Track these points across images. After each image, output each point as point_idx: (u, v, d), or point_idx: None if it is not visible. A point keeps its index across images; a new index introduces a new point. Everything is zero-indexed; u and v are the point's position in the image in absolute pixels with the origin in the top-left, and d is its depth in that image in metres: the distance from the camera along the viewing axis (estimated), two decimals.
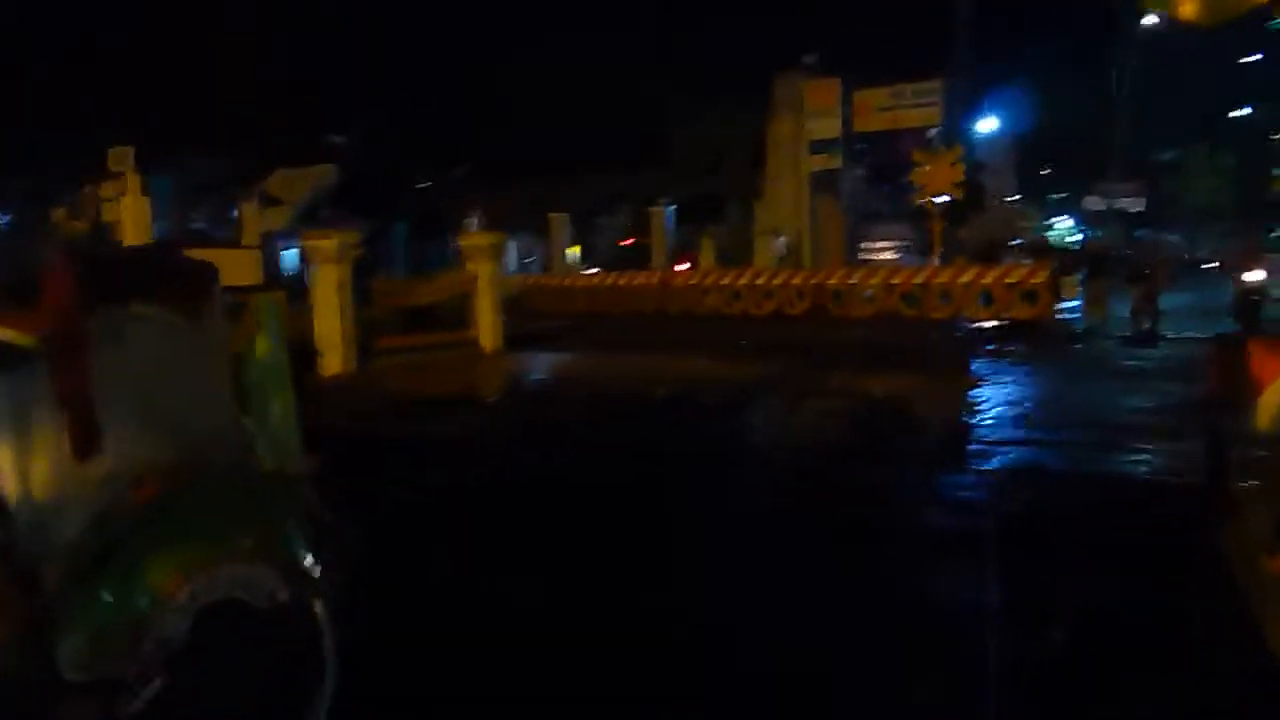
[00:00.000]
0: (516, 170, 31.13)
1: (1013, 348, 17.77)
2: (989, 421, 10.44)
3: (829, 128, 25.74)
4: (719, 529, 6.62)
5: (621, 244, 38.26)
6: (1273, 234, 31.90)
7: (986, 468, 8.28)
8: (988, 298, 21.65)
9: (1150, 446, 8.77)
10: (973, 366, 15.18)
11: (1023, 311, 21.16)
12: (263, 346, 3.79)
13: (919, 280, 22.56)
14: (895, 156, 37.92)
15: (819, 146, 26.02)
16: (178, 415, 3.34)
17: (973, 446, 9.16)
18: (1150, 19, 39.64)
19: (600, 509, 7.04)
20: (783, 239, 27.46)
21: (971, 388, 12.94)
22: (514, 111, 32.05)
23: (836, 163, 26.43)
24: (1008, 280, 21.54)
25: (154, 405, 3.27)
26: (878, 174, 37.18)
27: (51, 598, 2.88)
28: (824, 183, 26.88)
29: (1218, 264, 35.01)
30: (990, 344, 18.18)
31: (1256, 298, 19.15)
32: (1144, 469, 8.20)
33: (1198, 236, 45.57)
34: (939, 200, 23.91)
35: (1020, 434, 9.78)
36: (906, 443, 9.51)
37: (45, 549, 2.92)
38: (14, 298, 2.98)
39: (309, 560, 3.38)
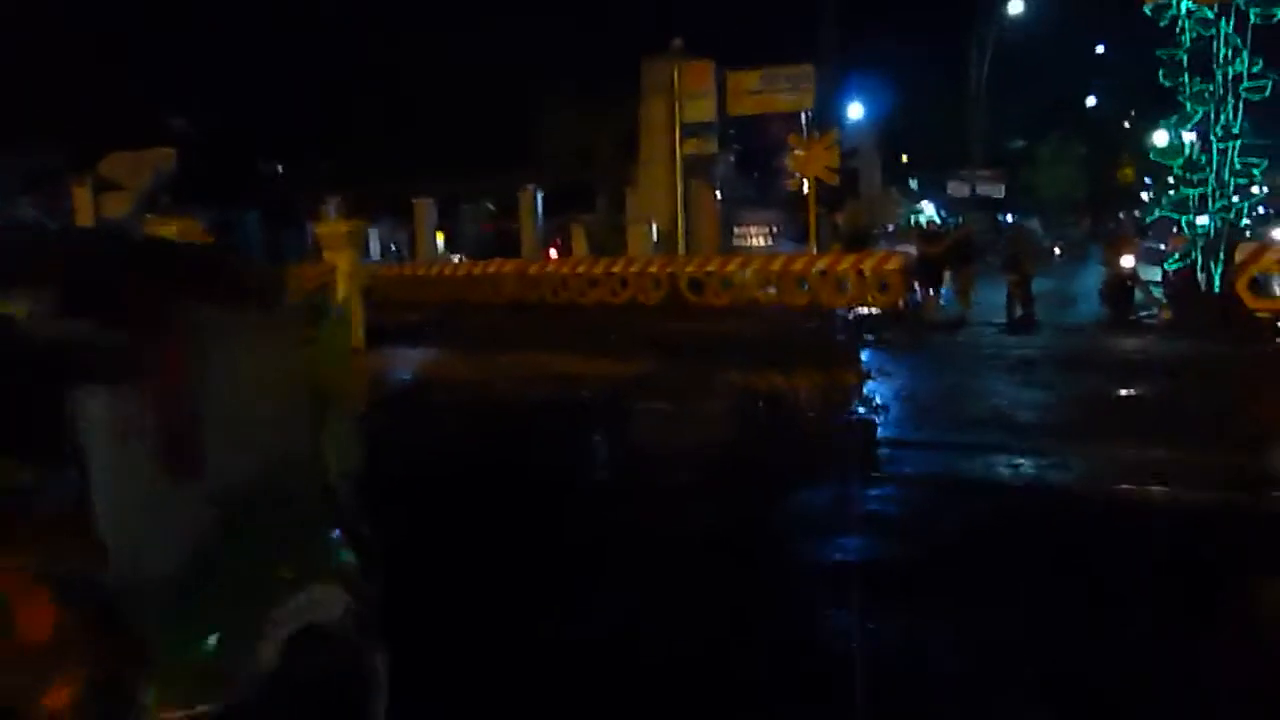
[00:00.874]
0: (377, 161, 29.62)
1: (890, 337, 17.39)
2: (887, 420, 9.81)
3: (703, 110, 25.04)
4: (591, 553, 5.72)
5: (485, 229, 37.05)
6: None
7: (894, 474, 7.59)
8: (845, 285, 21.24)
9: (1065, 448, 8.21)
10: (856, 358, 14.68)
11: (878, 300, 20.82)
12: (328, 349, 3.63)
13: (776, 268, 22.05)
14: (766, 141, 37.63)
15: (693, 130, 25.30)
16: (264, 428, 3.13)
17: (879, 451, 8.49)
18: (1014, 6, 40.31)
19: (471, 529, 6.06)
20: (655, 226, 26.75)
21: (861, 382, 12.38)
22: (373, 102, 30.51)
23: (712, 147, 25.77)
24: (863, 268, 21.16)
25: (244, 418, 3.04)
26: (748, 159, 36.84)
27: (143, 634, 2.62)
28: (698, 168, 26.19)
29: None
30: (867, 334, 17.77)
31: (1130, 283, 19.26)
32: (1067, 475, 7.62)
33: (1053, 223, 46.61)
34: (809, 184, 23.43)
35: (925, 434, 9.16)
36: (803, 448, 8.77)
37: (140, 581, 2.64)
38: (92, 296, 2.66)
39: (360, 574, 3.27)
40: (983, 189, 42.61)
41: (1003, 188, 43.63)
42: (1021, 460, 7.83)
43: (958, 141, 43.90)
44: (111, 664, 2.56)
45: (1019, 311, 18.69)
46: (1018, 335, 17.03)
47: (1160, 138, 53.17)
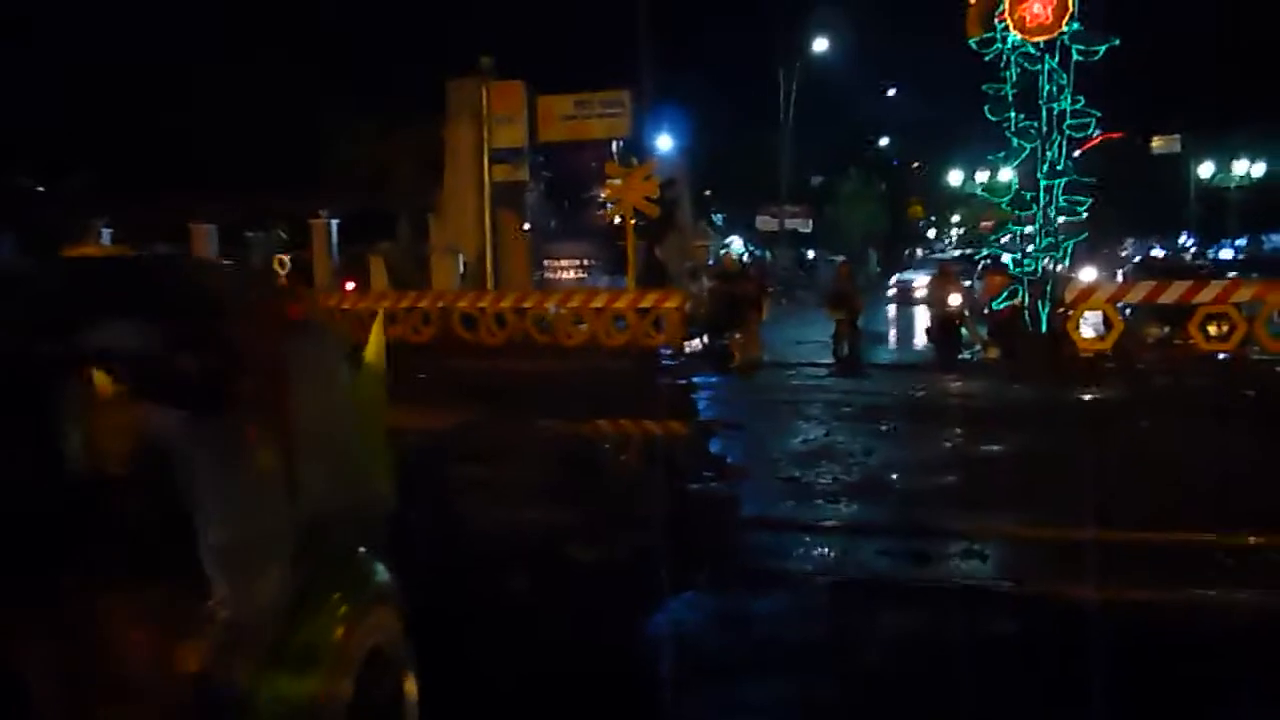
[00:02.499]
0: (150, 180, 26.46)
1: (708, 380, 16.12)
2: (742, 489, 8.40)
3: (513, 135, 23.35)
4: None
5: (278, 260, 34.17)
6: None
7: (776, 570, 6.12)
8: (622, 322, 20.05)
9: (963, 525, 6.94)
10: (687, 408, 13.31)
11: (655, 339, 19.65)
12: (368, 371, 3.64)
13: (550, 305, 20.70)
14: (576, 169, 36.35)
15: (502, 155, 23.58)
16: (339, 449, 3.22)
17: (739, 535, 7.02)
18: (819, 45, 40.50)
19: None
20: (461, 257, 24.88)
21: (697, 438, 10.98)
22: (144, 116, 27.30)
23: (522, 174, 24.08)
24: (640, 306, 20.02)
25: (327, 440, 3.12)
26: (557, 188, 35.42)
27: (239, 670, 2.63)
28: (507, 196, 24.46)
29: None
30: (677, 378, 16.41)
31: (957, 322, 18.73)
32: (985, 568, 6.34)
33: (860, 258, 47.19)
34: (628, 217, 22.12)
35: (793, 510, 7.76)
36: (647, 529, 7.21)
37: (244, 612, 2.62)
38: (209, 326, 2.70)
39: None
40: (791, 224, 42.60)
41: (810, 223, 43.79)
42: (923, 545, 6.53)
43: (764, 176, 43.82)
44: (216, 696, 2.54)
45: (845, 351, 17.84)
46: (851, 378, 16.11)
47: (954, 177, 55.16)
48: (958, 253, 46.22)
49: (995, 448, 10.16)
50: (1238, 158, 46.28)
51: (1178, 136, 46.72)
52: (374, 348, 3.77)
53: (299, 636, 2.76)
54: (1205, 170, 47.82)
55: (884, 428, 11.31)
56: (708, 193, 50.18)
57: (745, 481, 8.83)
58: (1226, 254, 39.22)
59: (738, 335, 18.03)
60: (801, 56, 41.74)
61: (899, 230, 61.64)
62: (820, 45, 40.58)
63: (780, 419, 12.39)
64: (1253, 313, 15.75)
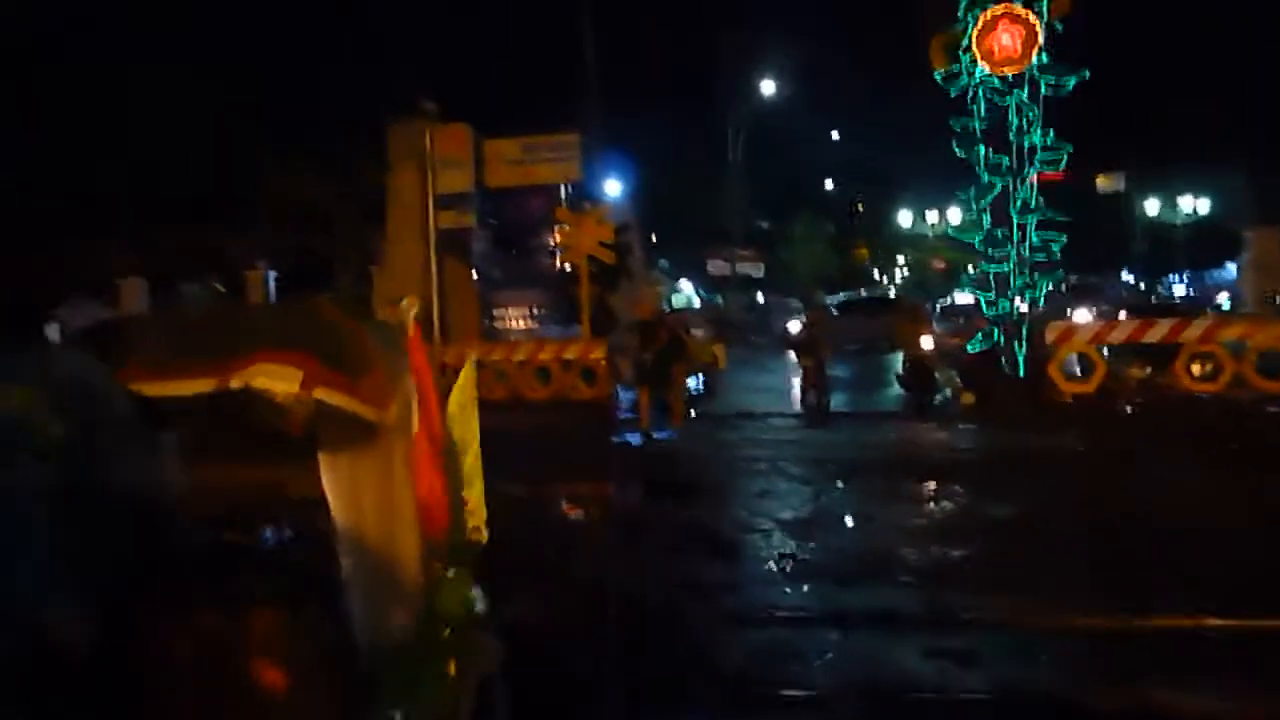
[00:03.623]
0: (65, 228, 24.85)
1: (652, 438, 14.77)
2: (744, 574, 7.35)
3: (460, 180, 22.22)
4: None
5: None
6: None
7: (798, 681, 5.08)
8: (546, 375, 19.05)
9: (996, 614, 5.95)
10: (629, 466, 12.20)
11: (583, 391, 18.58)
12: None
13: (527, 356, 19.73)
14: (523, 216, 35.41)
15: (448, 201, 22.48)
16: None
17: (747, 632, 5.97)
18: (767, 88, 40.11)
19: None
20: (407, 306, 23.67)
21: (658, 504, 9.92)
22: (61, 152, 25.66)
23: (469, 220, 22.99)
24: (565, 356, 19.11)
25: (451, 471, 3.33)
26: (503, 235, 34.45)
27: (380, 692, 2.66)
28: (453, 243, 23.38)
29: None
30: (619, 434, 15.18)
31: (929, 366, 17.95)
32: (1042, 670, 5.33)
33: (810, 301, 46.62)
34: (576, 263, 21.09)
35: (815, 598, 6.71)
36: (612, 627, 6.14)
37: (378, 640, 2.69)
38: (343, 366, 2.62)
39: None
40: (743, 268, 41.94)
41: (763, 266, 43.18)
42: (966, 642, 5.52)
43: (713, 220, 43.20)
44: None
45: (813, 399, 16.89)
46: (825, 430, 15.14)
47: (904, 218, 55.05)
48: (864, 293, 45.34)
49: (1005, 510, 9.20)
50: (1182, 194, 46.53)
51: (1122, 174, 46.93)
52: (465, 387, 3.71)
53: (428, 660, 2.82)
54: (1151, 207, 48.04)
55: (871, 487, 10.33)
56: (654, 238, 49.56)
57: (729, 560, 7.77)
58: (1179, 289, 39.12)
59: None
60: (750, 99, 41.35)
61: (847, 273, 61.40)
62: (769, 88, 40.18)
63: (754, 479, 11.35)
64: (1239, 351, 15.12)
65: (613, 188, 36.86)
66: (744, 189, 44.05)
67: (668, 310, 27.26)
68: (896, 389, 18.42)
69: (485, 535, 3.54)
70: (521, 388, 18.97)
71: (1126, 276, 53.58)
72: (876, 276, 75.77)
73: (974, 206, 17.11)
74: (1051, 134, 16.62)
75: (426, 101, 23.60)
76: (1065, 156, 16.64)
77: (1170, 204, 46.92)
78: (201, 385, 2.53)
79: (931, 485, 10.36)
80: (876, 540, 8.08)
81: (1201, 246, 46.93)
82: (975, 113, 17.02)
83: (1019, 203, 16.65)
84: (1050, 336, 15.96)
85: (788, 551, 7.74)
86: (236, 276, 29.04)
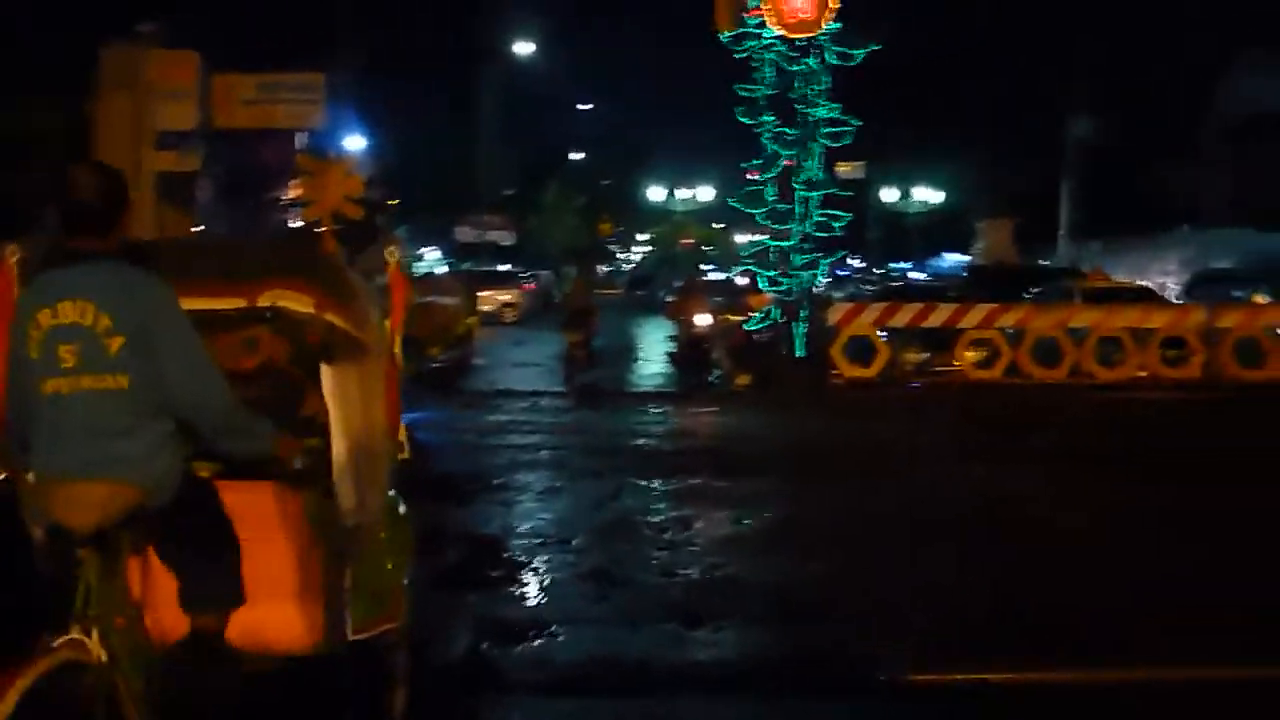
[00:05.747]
0: None
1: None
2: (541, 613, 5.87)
3: (183, 116, 19.28)
4: None
5: None
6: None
7: None
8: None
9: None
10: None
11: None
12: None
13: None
14: (255, 165, 32.16)
15: (168, 140, 19.58)
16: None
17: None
18: (521, 48, 38.42)
19: None
20: None
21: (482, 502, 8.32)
22: None
23: (194, 163, 20.12)
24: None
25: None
26: (233, 185, 31.27)
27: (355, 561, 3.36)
28: (173, 189, 20.45)
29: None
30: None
31: (706, 345, 17.03)
32: None
33: (561, 272, 45.53)
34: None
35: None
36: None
37: (358, 521, 3.33)
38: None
39: None
40: (492, 235, 40.17)
41: (513, 235, 41.55)
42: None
43: (461, 186, 41.16)
44: (337, 582, 3.25)
45: (578, 375, 15.61)
46: (595, 410, 13.84)
47: (656, 194, 54.76)
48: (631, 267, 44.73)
49: (822, 512, 8.19)
50: (916, 185, 48.61)
51: (862, 163, 48.50)
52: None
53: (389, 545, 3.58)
54: (888, 195, 49.94)
55: (664, 486, 9.03)
56: (396, 201, 46.97)
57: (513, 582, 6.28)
58: (917, 275, 40.64)
59: None
60: (506, 61, 39.56)
61: (594, 245, 60.82)
62: (524, 49, 38.51)
63: (530, 470, 9.88)
64: (1016, 339, 15.03)
65: (355, 142, 34.39)
66: (496, 155, 42.36)
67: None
68: (668, 367, 17.49)
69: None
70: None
71: (853, 260, 55.62)
72: (619, 253, 75.73)
73: (760, 179, 16.28)
74: (839, 107, 16.04)
75: (146, 24, 20.57)
76: (853, 131, 16.10)
77: (905, 194, 48.95)
78: (235, 302, 3.26)
79: (738, 476, 9.24)
80: (702, 553, 6.80)
81: (931, 235, 49.33)
82: (761, 81, 16.19)
83: (805, 177, 15.96)
84: (833, 318, 15.34)
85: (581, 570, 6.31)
86: None
